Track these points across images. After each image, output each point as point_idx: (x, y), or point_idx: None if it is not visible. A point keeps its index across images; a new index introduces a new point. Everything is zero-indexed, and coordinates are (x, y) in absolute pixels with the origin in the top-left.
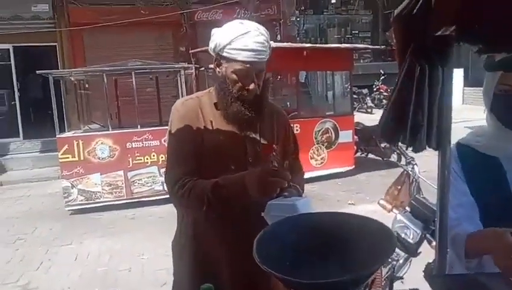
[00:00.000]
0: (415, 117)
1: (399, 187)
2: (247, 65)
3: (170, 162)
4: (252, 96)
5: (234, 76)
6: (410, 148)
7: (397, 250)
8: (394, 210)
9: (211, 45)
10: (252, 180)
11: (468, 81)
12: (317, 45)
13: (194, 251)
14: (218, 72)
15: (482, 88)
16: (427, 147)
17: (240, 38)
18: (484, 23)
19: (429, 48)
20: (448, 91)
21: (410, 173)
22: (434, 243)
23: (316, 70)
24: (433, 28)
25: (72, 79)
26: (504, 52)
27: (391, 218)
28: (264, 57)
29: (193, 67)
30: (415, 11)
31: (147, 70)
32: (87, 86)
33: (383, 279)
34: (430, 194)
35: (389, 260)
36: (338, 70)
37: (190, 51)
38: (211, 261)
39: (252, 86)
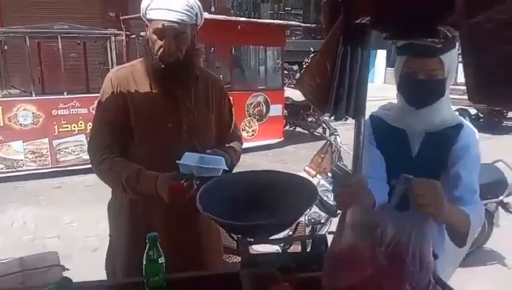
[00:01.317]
0: (337, 90)
1: (322, 155)
2: (165, 24)
3: (93, 132)
4: (172, 58)
5: (154, 36)
6: (332, 118)
7: (319, 211)
8: (318, 176)
9: (141, 12)
10: (162, 187)
11: (390, 62)
12: (252, 20)
13: (129, 214)
14: (145, 34)
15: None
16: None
17: None
18: (391, 14)
19: (351, 32)
20: (365, 70)
21: (333, 142)
22: None
23: (249, 44)
24: (353, 16)
25: None
26: (406, 39)
27: (315, 183)
28: (186, 20)
29: (123, 34)
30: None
31: (74, 35)
32: (5, 47)
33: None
34: (350, 162)
35: (312, 220)
36: (271, 45)
37: (120, 17)
38: (146, 224)
39: (167, 46)
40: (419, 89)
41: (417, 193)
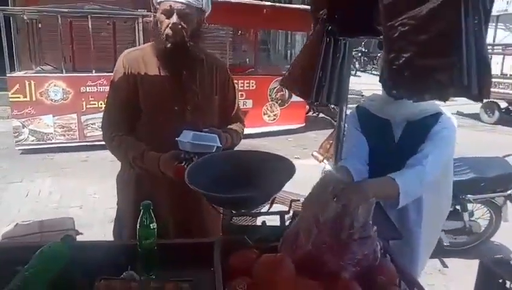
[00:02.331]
0: (320, 79)
1: (331, 141)
2: (172, 5)
3: (105, 110)
4: (178, 36)
5: (162, 16)
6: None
7: None
8: (325, 161)
9: None
10: (166, 168)
11: None
12: (277, 4)
13: (135, 188)
14: (155, 20)
15: None
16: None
17: None
18: (340, 13)
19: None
20: (348, 60)
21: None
22: None
23: (275, 29)
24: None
25: (25, 18)
26: (351, 37)
27: (321, 167)
28: (192, 2)
29: (152, 15)
30: None
31: (104, 15)
32: (40, 26)
33: None
34: None
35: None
36: (296, 30)
37: None
38: (150, 197)
39: (173, 22)
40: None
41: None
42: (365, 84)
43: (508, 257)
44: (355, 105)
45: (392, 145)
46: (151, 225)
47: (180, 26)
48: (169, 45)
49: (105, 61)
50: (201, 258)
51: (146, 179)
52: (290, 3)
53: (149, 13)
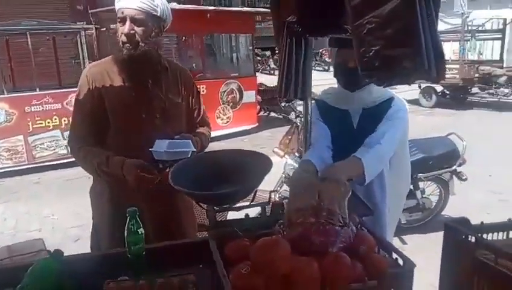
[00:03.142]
0: (286, 77)
1: (290, 137)
2: (122, 11)
3: (72, 125)
4: (132, 42)
5: (118, 24)
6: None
7: (287, 187)
8: (286, 156)
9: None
10: (128, 173)
11: None
12: (220, 8)
13: (109, 197)
14: (114, 30)
15: None
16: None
17: None
18: (308, 16)
19: (295, 25)
20: (310, 57)
21: (299, 124)
22: None
23: (219, 32)
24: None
25: None
26: (321, 36)
27: (283, 163)
28: (145, 8)
29: (93, 28)
30: None
31: (43, 31)
32: None
33: None
34: None
35: (282, 196)
36: (240, 33)
37: (90, 11)
38: (126, 204)
39: (126, 29)
40: (351, 75)
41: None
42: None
43: (465, 218)
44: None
45: (352, 131)
46: (138, 230)
47: (133, 31)
48: (125, 52)
49: (48, 78)
50: (188, 258)
51: (118, 188)
52: (230, 6)
53: (90, 26)
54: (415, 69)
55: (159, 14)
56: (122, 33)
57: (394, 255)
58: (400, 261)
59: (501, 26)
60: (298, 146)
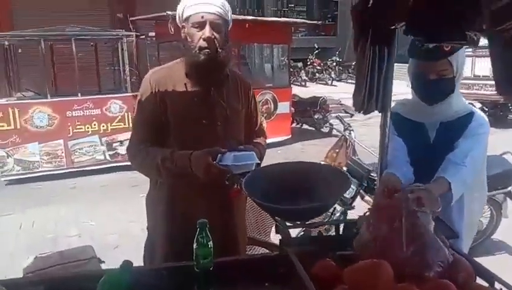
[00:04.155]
0: (369, 87)
1: (337, 150)
2: (202, 15)
3: (133, 131)
4: (211, 47)
5: (193, 29)
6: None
7: (335, 205)
8: None
9: (177, 17)
10: (197, 163)
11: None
12: (259, 18)
13: (168, 203)
14: (184, 36)
15: (401, 64)
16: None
17: None
18: (425, 21)
19: (380, 36)
20: (391, 68)
21: (348, 137)
22: (366, 197)
23: (256, 42)
24: (384, 22)
25: (6, 43)
26: (438, 43)
27: None
28: (222, 13)
29: (133, 35)
30: (370, 5)
31: (87, 37)
32: (20, 51)
33: (324, 228)
34: (364, 156)
35: (329, 213)
36: (277, 43)
37: (130, 18)
38: (184, 211)
39: (207, 33)
40: (431, 88)
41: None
42: (343, 92)
43: None
44: (341, 114)
45: (428, 145)
46: (208, 243)
47: (213, 37)
48: (202, 58)
49: (88, 84)
50: (257, 274)
51: (178, 193)
52: (263, 15)
53: (130, 33)
54: None
55: (228, 20)
56: (201, 38)
57: (497, 286)
58: None
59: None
60: (346, 160)
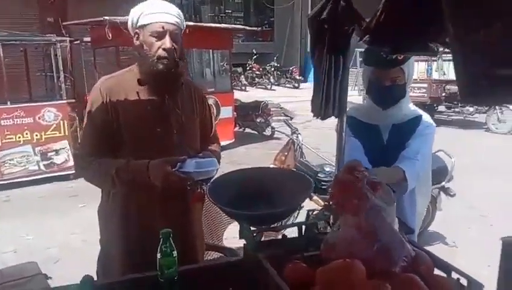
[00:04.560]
0: (326, 93)
1: (286, 153)
2: (162, 25)
3: (82, 141)
4: (170, 57)
5: (151, 38)
6: (315, 118)
7: None
8: None
9: (129, 23)
10: (156, 172)
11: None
12: (199, 24)
13: (122, 215)
14: (137, 44)
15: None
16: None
17: (151, 5)
18: (392, 34)
19: (336, 45)
20: (346, 74)
21: (295, 141)
22: (315, 197)
23: (197, 48)
24: (343, 30)
25: None
26: (404, 54)
27: None
28: (178, 21)
29: (67, 40)
30: (324, 16)
31: (16, 42)
32: None
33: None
34: (310, 158)
35: None
36: (218, 49)
37: (62, 23)
38: (140, 223)
39: (168, 44)
40: (386, 93)
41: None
42: (282, 96)
43: None
44: (282, 117)
45: (383, 146)
46: (172, 252)
47: (173, 47)
48: (161, 67)
49: (19, 91)
50: (221, 279)
51: (133, 203)
52: (201, 21)
53: (65, 38)
54: None
55: (183, 28)
56: (160, 48)
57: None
58: (464, 282)
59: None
60: (294, 162)
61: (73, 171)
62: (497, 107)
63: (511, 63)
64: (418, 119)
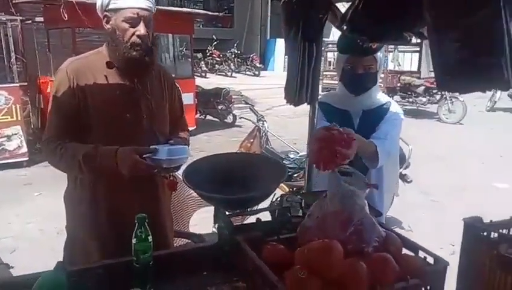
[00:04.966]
0: (300, 80)
1: (252, 140)
2: (137, 11)
3: (48, 124)
4: (144, 44)
5: (124, 24)
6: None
7: None
8: None
9: (97, 4)
10: (123, 160)
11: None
12: (160, 7)
13: (90, 201)
14: (108, 28)
15: None
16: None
17: None
18: (370, 24)
19: (309, 32)
20: (319, 63)
21: (261, 128)
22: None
23: (159, 32)
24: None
25: None
26: (381, 43)
27: None
28: (150, 5)
29: (18, 20)
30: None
31: None
32: None
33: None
34: (275, 145)
35: None
36: (178, 33)
37: (12, 1)
38: (107, 208)
39: (143, 31)
40: (359, 80)
41: None
42: (243, 84)
43: (478, 217)
44: (244, 105)
45: (353, 130)
46: (148, 237)
47: (147, 34)
48: (134, 54)
49: None
50: (198, 264)
51: (101, 188)
52: (157, 4)
53: (15, 17)
54: (497, 78)
55: (154, 12)
56: (134, 34)
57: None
58: (430, 260)
59: (419, 40)
60: (260, 149)
61: (27, 158)
62: (447, 97)
63: (485, 52)
64: (387, 105)
